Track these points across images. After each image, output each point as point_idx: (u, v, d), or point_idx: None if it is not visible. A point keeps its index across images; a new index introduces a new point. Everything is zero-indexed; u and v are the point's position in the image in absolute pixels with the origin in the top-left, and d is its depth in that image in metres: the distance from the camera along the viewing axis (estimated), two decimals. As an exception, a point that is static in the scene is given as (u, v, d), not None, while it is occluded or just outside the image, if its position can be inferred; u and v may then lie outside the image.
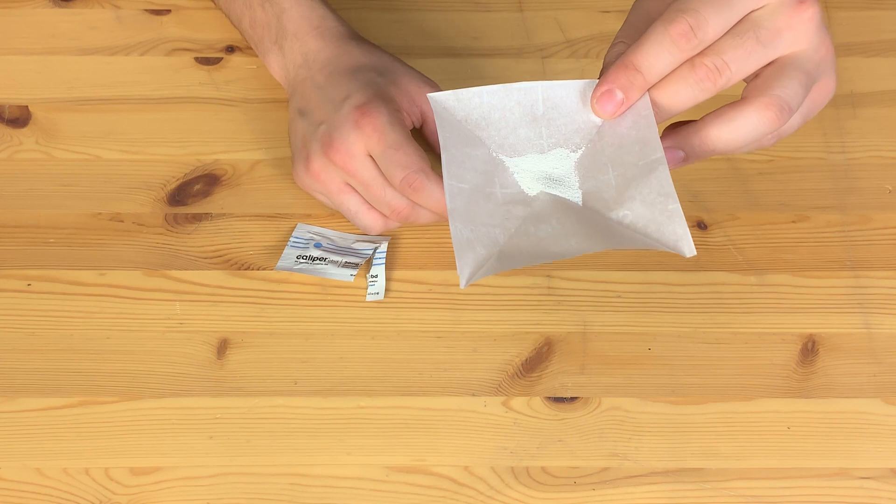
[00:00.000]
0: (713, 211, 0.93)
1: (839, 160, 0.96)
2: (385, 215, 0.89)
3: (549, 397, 0.86)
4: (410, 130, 0.90)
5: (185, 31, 1.03)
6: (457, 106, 0.70)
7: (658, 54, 0.67)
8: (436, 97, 0.70)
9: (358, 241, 0.92)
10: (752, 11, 0.69)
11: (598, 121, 0.69)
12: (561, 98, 0.69)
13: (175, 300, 0.90)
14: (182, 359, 0.87)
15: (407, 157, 0.87)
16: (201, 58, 1.01)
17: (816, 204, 0.94)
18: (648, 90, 0.69)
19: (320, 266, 0.90)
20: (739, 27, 0.68)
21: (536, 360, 0.88)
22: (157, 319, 0.89)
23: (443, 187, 0.71)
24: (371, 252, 0.91)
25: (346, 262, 0.90)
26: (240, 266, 0.91)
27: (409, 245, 0.92)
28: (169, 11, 1.03)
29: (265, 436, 0.85)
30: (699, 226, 0.93)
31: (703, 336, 0.89)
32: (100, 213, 0.93)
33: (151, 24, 1.03)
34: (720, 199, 0.93)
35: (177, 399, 0.86)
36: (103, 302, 0.90)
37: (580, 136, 0.69)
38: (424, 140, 0.94)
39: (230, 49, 1.02)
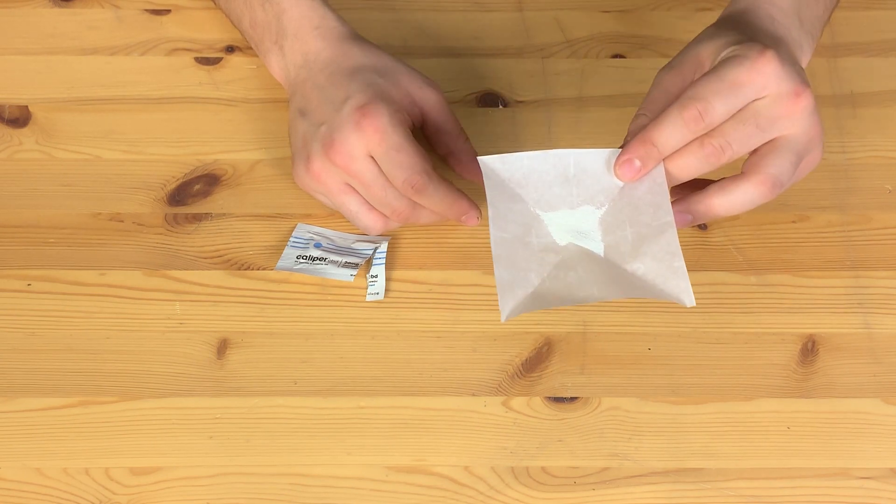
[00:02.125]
0: (713, 211, 0.93)
1: (839, 160, 0.96)
2: (385, 216, 0.89)
3: (549, 397, 0.86)
4: (411, 130, 0.90)
5: (185, 31, 1.03)
6: (502, 168, 0.82)
7: (672, 133, 0.79)
8: (485, 160, 0.82)
9: (358, 241, 0.92)
10: (754, 100, 0.80)
11: (619, 183, 0.81)
12: (589, 163, 0.81)
13: (175, 300, 0.90)
14: (182, 359, 0.87)
15: (409, 159, 0.87)
16: (201, 58, 1.01)
17: (816, 204, 0.94)
18: (663, 161, 0.80)
19: (320, 266, 0.90)
20: (742, 114, 0.79)
21: (536, 360, 0.88)
22: (157, 319, 0.89)
23: (445, 185, 0.85)
24: (371, 252, 0.91)
25: (346, 262, 0.90)
26: (240, 266, 0.91)
27: (409, 245, 0.92)
28: (169, 11, 1.03)
29: (265, 436, 0.85)
30: (699, 226, 0.93)
31: (703, 336, 0.89)
32: (100, 213, 0.94)
33: (151, 24, 1.03)
34: (720, 199, 0.93)
35: (177, 399, 0.86)
36: (103, 302, 0.90)
37: (604, 196, 0.81)
38: (425, 140, 0.94)
39: (230, 49, 1.02)
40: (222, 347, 0.88)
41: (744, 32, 0.83)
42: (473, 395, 0.86)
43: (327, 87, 0.90)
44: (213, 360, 0.87)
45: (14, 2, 1.04)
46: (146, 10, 1.03)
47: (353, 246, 0.91)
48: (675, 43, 1.01)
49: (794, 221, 0.93)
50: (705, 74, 0.80)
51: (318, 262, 0.90)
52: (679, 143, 0.80)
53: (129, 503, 0.82)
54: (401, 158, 0.87)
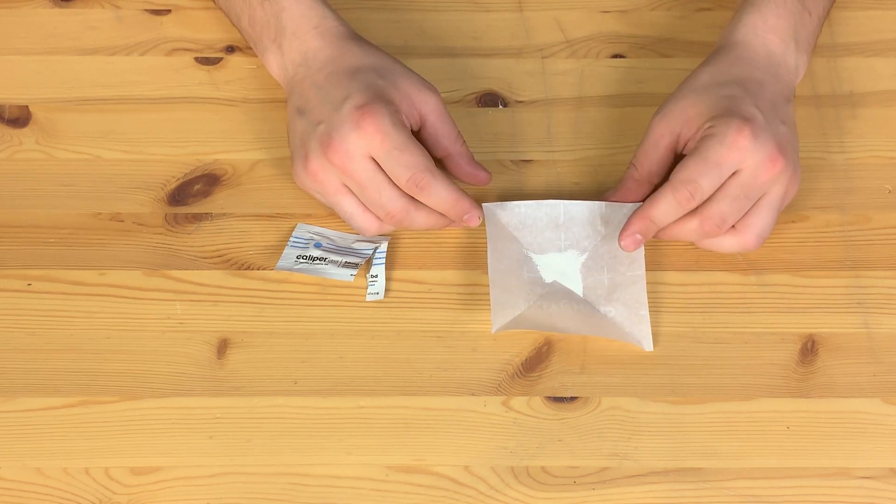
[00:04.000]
0: (713, 211, 0.93)
1: (839, 160, 0.96)
2: (380, 219, 0.89)
3: (549, 397, 0.86)
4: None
5: (185, 31, 1.02)
6: (502, 213, 0.91)
7: (667, 211, 0.87)
8: (487, 206, 0.91)
9: (358, 241, 0.92)
10: (736, 172, 0.87)
11: (602, 232, 0.90)
12: (577, 213, 0.90)
13: (175, 300, 0.90)
14: (182, 359, 0.87)
15: (413, 158, 0.87)
16: (201, 58, 1.01)
17: (816, 204, 0.94)
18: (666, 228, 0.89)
19: (320, 266, 0.90)
20: (729, 188, 0.87)
21: (536, 360, 0.88)
22: (157, 319, 0.89)
23: (448, 185, 0.89)
24: (371, 252, 0.91)
25: (346, 262, 0.90)
26: (240, 266, 0.91)
27: (409, 245, 0.92)
28: (169, 11, 1.03)
29: (265, 436, 0.85)
30: (699, 226, 0.93)
31: (703, 336, 0.89)
32: (100, 213, 0.94)
33: (151, 24, 1.03)
34: (720, 199, 0.93)
35: (177, 399, 0.86)
36: (103, 302, 0.90)
37: (588, 241, 0.90)
38: (423, 143, 0.94)
39: (230, 49, 1.02)
40: (222, 347, 0.88)
41: (734, 85, 0.90)
42: (473, 394, 0.86)
43: (326, 87, 0.90)
44: (213, 360, 0.87)
45: (14, 2, 1.04)
46: (146, 10, 1.03)
47: (353, 246, 0.92)
48: (675, 43, 1.01)
49: (794, 221, 0.93)
50: (690, 156, 0.87)
51: (318, 262, 0.90)
52: (674, 218, 0.88)
53: (129, 503, 0.82)
54: (405, 157, 0.87)
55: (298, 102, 0.91)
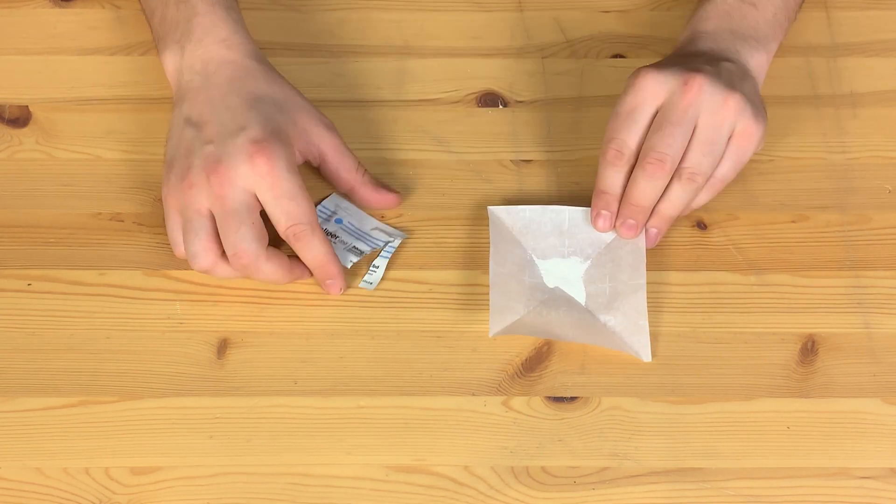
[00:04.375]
0: (713, 211, 0.93)
1: (839, 160, 0.96)
2: (218, 255, 0.87)
3: (549, 397, 0.86)
4: (311, 165, 0.91)
5: (185, 31, 1.02)
6: (506, 217, 0.91)
7: (646, 188, 0.87)
8: (492, 210, 0.91)
9: (375, 228, 0.92)
10: (696, 125, 0.87)
11: (606, 239, 0.90)
12: (581, 219, 0.90)
13: (175, 300, 0.90)
14: (182, 359, 0.87)
15: (299, 209, 0.86)
16: (201, 58, 1.01)
17: (816, 204, 0.94)
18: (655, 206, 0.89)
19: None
20: (695, 141, 0.87)
21: (536, 360, 0.88)
22: (157, 319, 0.89)
23: (324, 243, 0.87)
24: (382, 245, 0.91)
25: (353, 246, 0.90)
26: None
27: (409, 245, 0.92)
28: (169, 11, 1.03)
29: (265, 436, 0.85)
30: (699, 226, 0.93)
31: (703, 336, 0.89)
32: (100, 213, 0.94)
33: (151, 24, 1.03)
34: (720, 199, 0.93)
35: (177, 399, 0.86)
36: (103, 302, 0.90)
37: (591, 249, 0.90)
38: (322, 176, 0.93)
39: (230, 49, 1.01)
40: (222, 347, 0.88)
41: (680, 62, 0.90)
42: (473, 394, 0.86)
43: (222, 109, 0.89)
44: (213, 360, 0.87)
45: (14, 2, 1.04)
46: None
47: (369, 232, 0.91)
48: (675, 43, 1.01)
49: (793, 221, 0.93)
50: (651, 127, 0.88)
51: (329, 237, 0.90)
52: (657, 192, 0.88)
53: (129, 503, 0.82)
54: (291, 206, 0.86)
55: (189, 112, 0.90)
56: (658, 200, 0.89)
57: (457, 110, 0.98)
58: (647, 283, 0.88)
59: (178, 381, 0.87)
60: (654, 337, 0.88)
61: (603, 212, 0.88)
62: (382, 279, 0.90)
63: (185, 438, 0.85)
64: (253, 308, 0.89)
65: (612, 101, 0.98)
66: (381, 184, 0.93)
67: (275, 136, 0.87)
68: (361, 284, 0.90)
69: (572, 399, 0.86)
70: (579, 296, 0.88)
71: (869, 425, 0.85)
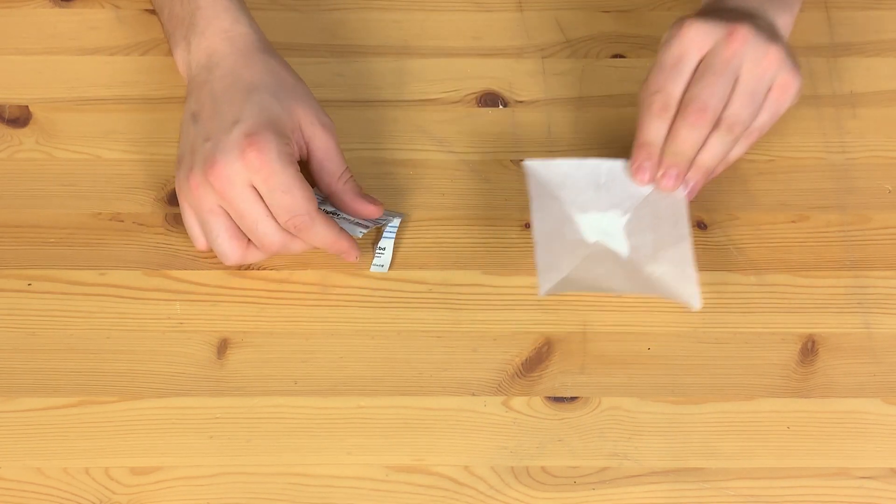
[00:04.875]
0: (713, 211, 0.93)
1: (839, 160, 0.96)
2: (245, 246, 0.87)
3: (549, 397, 0.86)
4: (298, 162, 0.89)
5: (185, 31, 1.02)
6: (544, 172, 0.89)
7: (687, 138, 0.86)
8: (529, 164, 0.89)
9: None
10: (739, 75, 0.86)
11: (644, 192, 0.88)
12: (618, 173, 0.89)
13: (175, 300, 0.90)
14: (182, 359, 0.87)
15: (294, 201, 0.85)
16: (201, 58, 1.01)
17: (816, 204, 0.94)
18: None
19: (335, 219, 0.89)
20: (737, 92, 0.86)
21: (536, 360, 0.88)
22: (157, 319, 0.89)
23: (327, 225, 0.87)
24: (383, 223, 0.91)
25: (357, 221, 0.90)
26: (240, 266, 0.91)
27: (409, 245, 0.92)
28: (169, 11, 1.03)
29: (265, 436, 0.85)
30: (699, 226, 0.93)
31: (703, 336, 0.89)
32: (100, 213, 0.94)
33: (151, 24, 1.03)
34: (720, 199, 0.93)
35: (177, 399, 0.86)
36: (103, 302, 0.90)
37: (630, 202, 0.88)
38: (311, 172, 0.91)
39: (230, 49, 1.01)
40: (222, 347, 0.88)
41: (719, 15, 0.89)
42: (473, 394, 0.86)
43: (221, 101, 0.88)
44: (213, 360, 0.87)
45: (14, 2, 1.04)
46: (146, 10, 1.03)
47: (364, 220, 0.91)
48: (675, 43, 1.01)
49: (794, 221, 0.93)
50: (694, 77, 0.87)
51: (332, 215, 0.90)
52: (699, 142, 0.87)
53: (129, 503, 0.82)
54: (286, 201, 0.85)
55: (195, 107, 0.89)
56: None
57: (457, 110, 0.98)
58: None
59: (178, 381, 0.87)
60: (655, 337, 0.88)
61: (645, 163, 0.87)
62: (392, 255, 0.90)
63: (185, 438, 0.85)
64: (253, 308, 0.89)
65: (612, 101, 0.99)
66: (362, 193, 0.91)
67: (268, 127, 0.86)
68: (373, 269, 0.90)
69: (572, 399, 0.86)
70: (622, 249, 0.88)
71: (869, 425, 0.85)
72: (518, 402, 0.86)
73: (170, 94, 0.99)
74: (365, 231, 0.90)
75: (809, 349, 0.88)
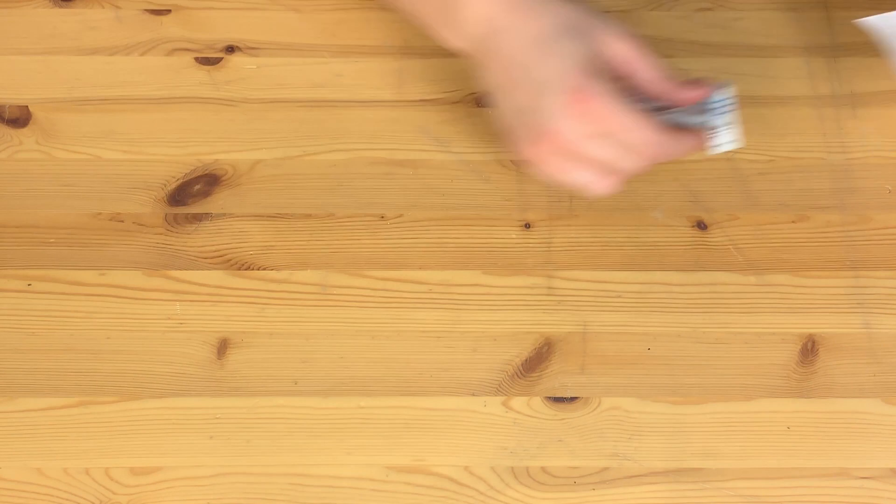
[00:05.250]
0: (713, 211, 0.93)
1: (839, 160, 0.96)
2: (619, 173, 0.85)
3: (549, 397, 0.86)
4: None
5: (185, 31, 1.02)
6: (884, 25, 0.90)
7: None
8: (866, 21, 0.90)
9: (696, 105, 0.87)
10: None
11: None
12: None
13: (175, 300, 0.90)
14: (182, 359, 0.88)
15: (641, 135, 0.83)
16: (201, 58, 1.01)
17: (816, 204, 0.94)
18: None
19: (671, 114, 0.87)
20: None
21: (536, 360, 0.88)
22: (157, 319, 0.89)
23: (677, 138, 0.84)
24: (717, 103, 0.87)
25: (692, 109, 0.87)
26: (240, 266, 0.91)
27: (409, 245, 0.92)
28: (169, 11, 1.03)
29: (265, 436, 0.85)
30: (699, 226, 0.93)
31: (703, 336, 0.89)
32: (100, 213, 0.94)
33: (151, 24, 1.03)
34: (720, 199, 0.93)
35: (177, 399, 0.86)
36: (103, 302, 0.90)
37: None
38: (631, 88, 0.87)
39: (230, 49, 1.02)
40: (222, 347, 0.88)
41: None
42: (473, 395, 0.86)
43: (521, 66, 0.84)
44: (213, 360, 0.87)
45: (14, 2, 1.04)
46: (146, 10, 1.03)
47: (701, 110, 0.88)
48: (675, 43, 1.01)
49: (794, 221, 0.93)
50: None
51: (666, 112, 0.87)
52: None
53: (129, 503, 0.82)
54: (633, 138, 0.83)
55: (496, 80, 0.86)
56: None
57: (457, 110, 0.98)
58: (646, 283, 0.89)
59: (178, 381, 0.87)
60: (654, 337, 0.88)
61: None
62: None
63: (185, 438, 0.85)
64: (253, 308, 0.89)
65: (612, 101, 0.98)
66: (683, 83, 0.86)
67: (585, 73, 0.82)
68: (725, 147, 0.86)
69: (572, 399, 0.86)
70: None
71: (869, 425, 0.85)
72: (518, 402, 0.86)
73: (170, 94, 0.99)
74: (703, 118, 0.87)
75: (809, 349, 0.88)
